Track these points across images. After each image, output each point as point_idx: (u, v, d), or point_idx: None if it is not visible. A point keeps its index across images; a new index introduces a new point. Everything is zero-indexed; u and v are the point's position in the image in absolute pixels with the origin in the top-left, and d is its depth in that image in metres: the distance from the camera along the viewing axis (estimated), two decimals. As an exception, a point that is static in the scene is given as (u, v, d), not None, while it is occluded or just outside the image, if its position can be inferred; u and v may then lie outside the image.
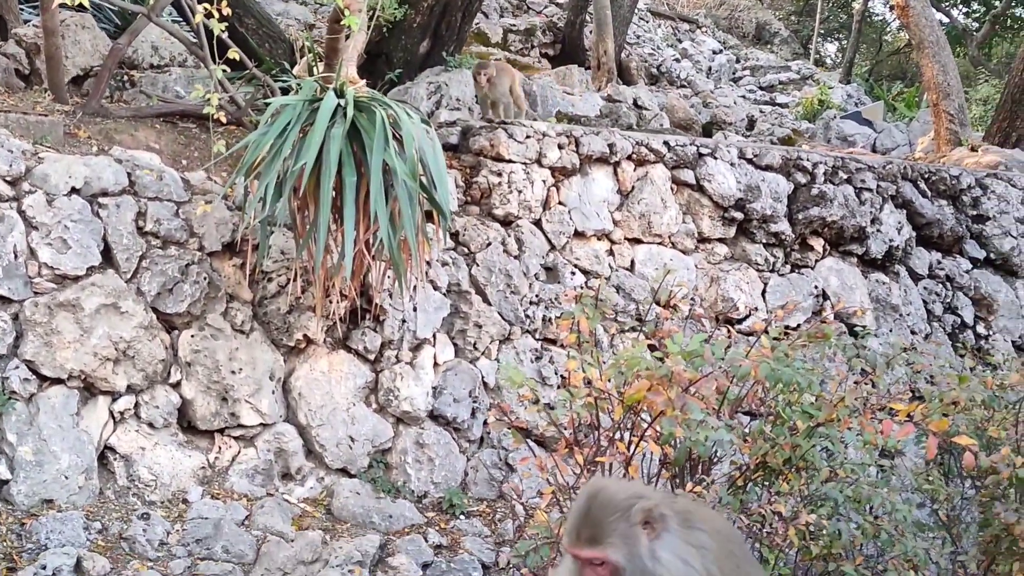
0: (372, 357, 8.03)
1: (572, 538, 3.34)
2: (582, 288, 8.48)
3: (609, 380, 5.21)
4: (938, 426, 4.98)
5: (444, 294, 8.37)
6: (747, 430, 5.30)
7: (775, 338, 5.56)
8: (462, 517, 7.88)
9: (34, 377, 6.94)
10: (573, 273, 8.87)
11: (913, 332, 10.06)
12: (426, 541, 7.48)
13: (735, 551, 3.49)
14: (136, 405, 7.27)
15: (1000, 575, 5.28)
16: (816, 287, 9.74)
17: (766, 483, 5.36)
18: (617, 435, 5.25)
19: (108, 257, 7.25)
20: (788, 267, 9.82)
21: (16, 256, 6.91)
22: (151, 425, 7.29)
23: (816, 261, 9.92)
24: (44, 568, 6.26)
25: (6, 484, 6.73)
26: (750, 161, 9.73)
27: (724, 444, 4.63)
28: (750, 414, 6.08)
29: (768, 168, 9.78)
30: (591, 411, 5.09)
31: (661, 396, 4.76)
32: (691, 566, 3.22)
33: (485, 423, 8.34)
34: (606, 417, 5.35)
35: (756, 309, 9.37)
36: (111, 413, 7.19)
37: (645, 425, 5.10)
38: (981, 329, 10.55)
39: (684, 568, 3.22)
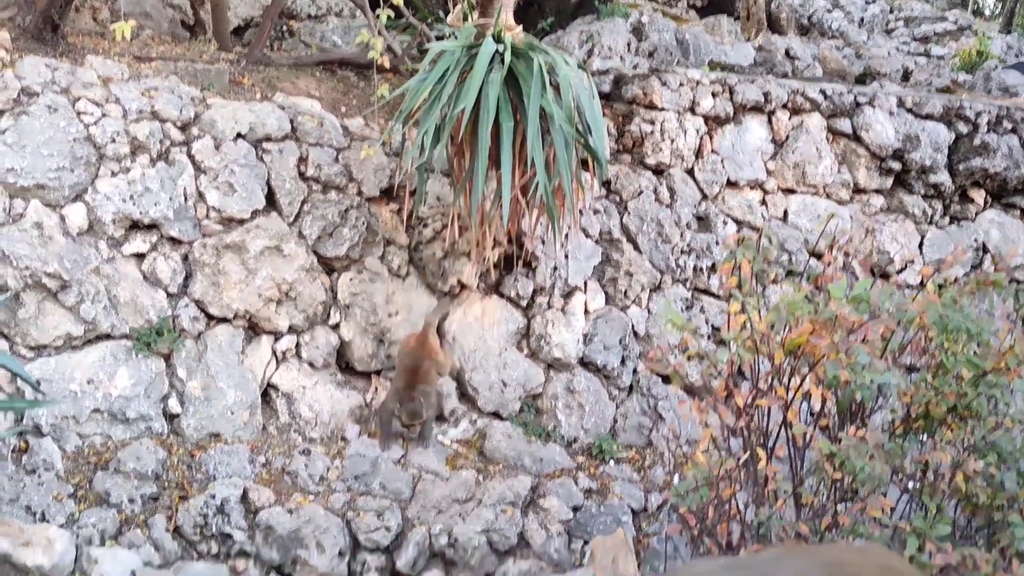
0: (524, 303, 8.12)
1: None
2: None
3: (769, 325, 5.18)
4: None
5: (595, 242, 8.40)
6: (910, 379, 5.21)
7: (939, 286, 5.46)
8: (611, 463, 7.94)
9: (202, 316, 7.22)
10: (725, 223, 8.80)
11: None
12: (576, 485, 7.57)
13: None
14: (297, 345, 7.50)
15: None
16: (976, 240, 9.47)
17: (928, 433, 5.27)
18: (776, 380, 5.22)
19: (271, 201, 7.47)
20: (947, 219, 9.57)
21: (186, 199, 7.17)
22: (311, 365, 7.52)
23: (976, 213, 9.64)
24: (213, 497, 6.53)
25: (177, 418, 7.03)
26: (909, 110, 9.48)
27: (890, 387, 4.58)
28: (909, 368, 5.97)
29: (928, 117, 9.52)
30: (751, 354, 5.07)
31: (824, 340, 4.72)
32: None
33: (635, 371, 8.37)
34: (765, 362, 5.32)
35: (912, 262, 9.16)
36: (273, 352, 7.44)
37: (806, 370, 5.06)
38: None
39: None
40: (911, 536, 4.69)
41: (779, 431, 5.38)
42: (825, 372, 4.77)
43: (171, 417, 7.04)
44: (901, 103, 9.47)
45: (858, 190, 9.36)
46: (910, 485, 5.32)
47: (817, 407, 5.25)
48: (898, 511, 5.15)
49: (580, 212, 8.02)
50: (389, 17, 7.75)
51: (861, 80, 13.43)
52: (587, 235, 8.33)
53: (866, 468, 4.45)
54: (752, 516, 5.02)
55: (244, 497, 6.63)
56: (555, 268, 8.13)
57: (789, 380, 5.23)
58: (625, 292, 8.42)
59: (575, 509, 7.40)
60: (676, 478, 6.12)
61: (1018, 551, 4.62)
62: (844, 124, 9.27)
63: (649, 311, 8.51)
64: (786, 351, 5.03)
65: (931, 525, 4.74)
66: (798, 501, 5.05)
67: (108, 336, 6.93)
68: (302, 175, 7.57)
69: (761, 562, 3.69)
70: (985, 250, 9.48)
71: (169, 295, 7.14)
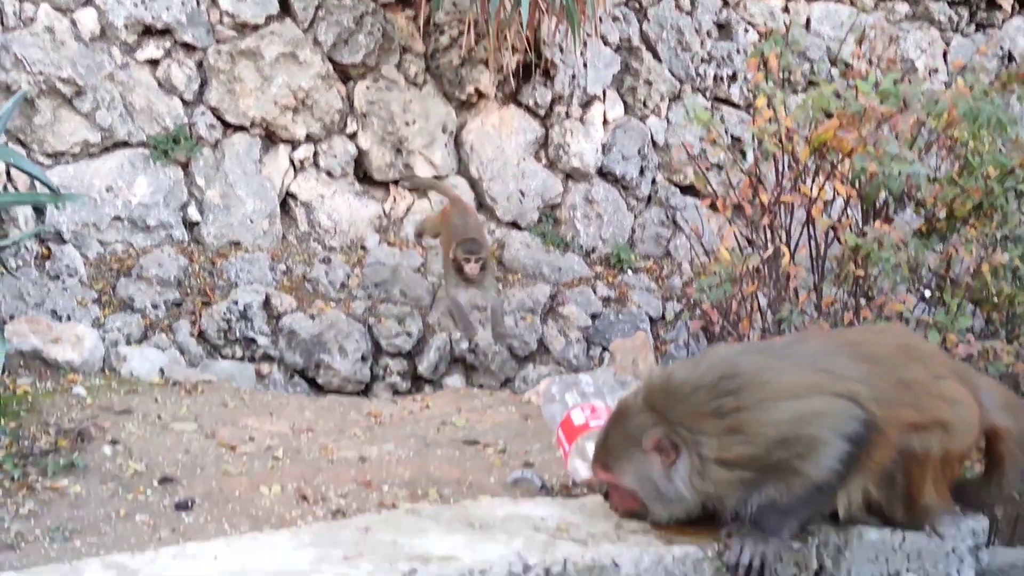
0: (542, 112, 8.02)
1: (594, 462, 3.43)
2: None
3: (794, 122, 5.12)
4: None
5: (614, 50, 8.24)
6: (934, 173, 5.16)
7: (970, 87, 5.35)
8: (629, 272, 7.97)
9: (218, 123, 7.15)
10: (746, 30, 8.62)
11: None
12: (595, 293, 7.62)
13: None
14: (315, 154, 7.45)
15: None
16: (1001, 48, 9.28)
17: (951, 232, 5.25)
18: (801, 179, 5.19)
19: (285, 6, 7.31)
20: (972, 27, 9.36)
21: (198, 3, 7.03)
22: (329, 174, 7.48)
23: (1004, 20, 9.42)
24: (236, 303, 6.59)
25: (196, 226, 7.04)
26: (937, -89, 9.18)
27: (919, 177, 4.53)
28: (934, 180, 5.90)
29: (957, -81, 9.22)
30: (776, 150, 5.02)
31: (852, 133, 4.66)
32: (700, 492, 3.21)
33: (654, 181, 8.33)
34: (790, 161, 5.28)
35: (936, 71, 9.00)
36: (291, 161, 7.39)
37: (831, 168, 5.02)
38: None
39: (694, 492, 3.21)
40: (932, 330, 4.72)
41: (802, 230, 5.37)
42: (851, 167, 4.73)
43: (191, 225, 7.04)
44: (930, -96, 9.15)
45: (883, -3, 9.13)
46: (927, 293, 5.33)
47: (841, 205, 5.24)
48: (917, 313, 5.16)
49: (600, 19, 7.84)
50: None
51: None
52: (606, 43, 8.17)
53: (891, 259, 4.44)
54: (773, 314, 5.05)
55: (266, 303, 6.69)
56: (573, 76, 8.00)
57: (814, 179, 5.19)
58: (644, 101, 8.30)
59: (593, 317, 7.46)
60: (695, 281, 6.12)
61: (1038, 341, 4.65)
62: (871, -74, 8.98)
63: (668, 121, 8.41)
64: (812, 148, 4.98)
65: (952, 320, 4.76)
66: (819, 298, 5.07)
67: (125, 144, 6.88)
68: (315, -21, 7.39)
69: (782, 344, 3.73)
70: (1011, 58, 9.30)
71: (185, 102, 7.05)
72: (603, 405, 3.89)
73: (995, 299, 5.16)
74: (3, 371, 4.89)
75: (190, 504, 3.76)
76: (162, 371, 5.47)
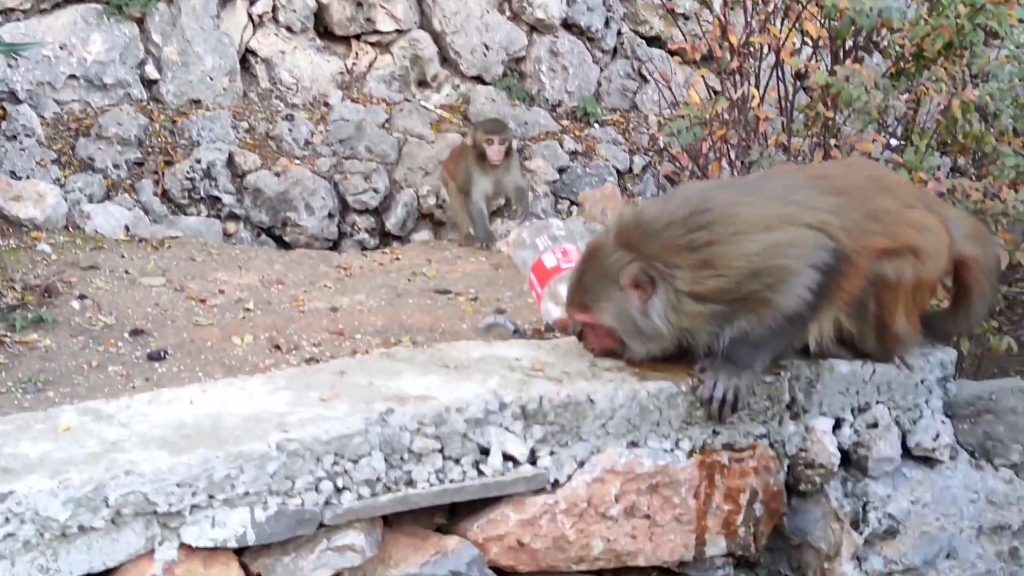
0: (505, -38, 7.86)
1: (570, 301, 3.36)
2: None
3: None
4: (1114, 3, 4.75)
5: None
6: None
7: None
8: (596, 125, 7.91)
9: (173, -23, 6.95)
10: None
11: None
12: (561, 147, 7.57)
13: None
14: (274, 9, 7.26)
15: None
16: None
17: (920, 73, 5.20)
18: (771, 20, 5.12)
19: None
20: None
21: None
22: (289, 29, 7.30)
23: None
24: (199, 162, 6.50)
25: (155, 84, 6.88)
26: None
27: (892, 12, 4.47)
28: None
29: None
30: (746, -11, 4.95)
31: (823, -30, 4.59)
32: (674, 326, 3.18)
33: (619, 33, 8.21)
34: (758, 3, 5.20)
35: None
36: (249, 16, 7.21)
37: (801, 7, 4.95)
38: None
39: (670, 326, 3.18)
40: (901, 170, 4.71)
41: (771, 74, 5.31)
42: (823, 6, 4.66)
43: (149, 83, 6.89)
44: None
45: None
46: (892, 142, 5.31)
47: (809, 54, 5.19)
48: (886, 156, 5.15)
49: None
50: None
51: None
52: None
53: (862, 98, 4.40)
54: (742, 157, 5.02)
55: (230, 161, 6.60)
56: (537, -76, 7.82)
57: (783, 20, 5.12)
58: (609, -50, 8.14)
59: (561, 171, 7.43)
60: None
61: (1008, 179, 4.65)
62: None
63: (637, -34, 8.27)
64: (781, -13, 4.90)
65: (921, 159, 4.75)
66: (789, 140, 5.04)
67: (79, 0, 6.68)
68: None
69: (753, 179, 3.72)
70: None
71: (137, -45, 6.84)
72: (574, 248, 3.87)
73: (962, 140, 5.15)
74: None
75: (162, 354, 3.74)
76: (127, 228, 5.41)
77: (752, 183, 3.54)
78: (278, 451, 2.74)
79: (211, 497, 2.67)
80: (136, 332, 3.95)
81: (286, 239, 6.55)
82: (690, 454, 3.25)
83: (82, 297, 4.22)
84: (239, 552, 2.77)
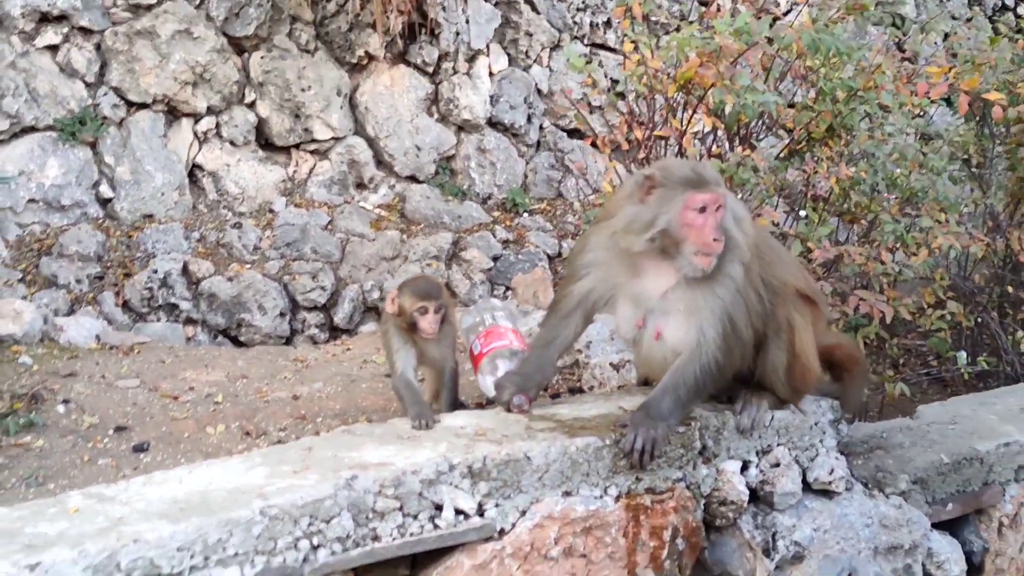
0: (431, 70, 8.46)
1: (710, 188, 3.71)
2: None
3: (662, 62, 5.62)
4: (969, 84, 5.39)
5: (494, 5, 8.70)
6: (791, 99, 5.72)
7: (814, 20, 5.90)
8: (525, 215, 8.47)
9: (122, 103, 7.47)
10: (617, -22, 9.11)
11: (955, 17, 10.25)
12: (494, 237, 8.10)
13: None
14: (217, 125, 7.80)
15: (1025, 214, 5.83)
16: (855, -21, 9.88)
17: (811, 153, 5.81)
18: (671, 114, 5.70)
19: (176, -15, 7.63)
20: (827, -40, 9.95)
21: (92, -12, 7.32)
22: (232, 143, 7.83)
23: (855, -47, 10.02)
24: (156, 272, 6.96)
25: (110, 202, 7.36)
26: None
27: (770, 105, 5.07)
28: (790, 105, 6.47)
29: None
30: (646, 89, 5.52)
31: (711, 70, 5.17)
32: None
33: (541, 127, 8.83)
34: (661, 99, 5.79)
35: (797, 4, 9.59)
36: (195, 133, 7.73)
37: (696, 101, 5.53)
38: (1022, 10, 10.72)
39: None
40: (796, 242, 5.28)
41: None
42: (713, 100, 5.26)
43: (104, 202, 7.37)
44: None
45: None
46: (802, 213, 5.89)
47: (710, 137, 5.77)
48: (786, 226, 5.73)
49: (477, -24, 8.28)
50: None
51: None
52: (486, -1, 8.62)
53: (751, 180, 4.99)
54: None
55: (184, 270, 7.06)
56: (457, 33, 8.44)
57: (683, 113, 5.71)
58: (526, 52, 8.79)
59: (495, 259, 7.95)
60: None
61: (886, 244, 5.24)
62: None
63: (551, 69, 8.92)
64: (678, 85, 5.49)
65: (812, 230, 5.33)
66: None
67: (33, 128, 7.17)
68: (203, -43, 7.70)
69: None
70: (864, -12, 9.90)
71: (87, 85, 7.36)
72: (509, 326, 4.38)
73: (853, 210, 5.76)
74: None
75: (146, 446, 4.18)
76: (98, 337, 5.84)
77: None
78: (261, 516, 3.18)
79: (206, 559, 3.11)
80: (119, 428, 4.39)
81: (241, 339, 6.99)
82: (617, 499, 3.73)
83: (66, 401, 4.66)
84: (232, 606, 3.21)
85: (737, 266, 3.73)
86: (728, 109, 5.18)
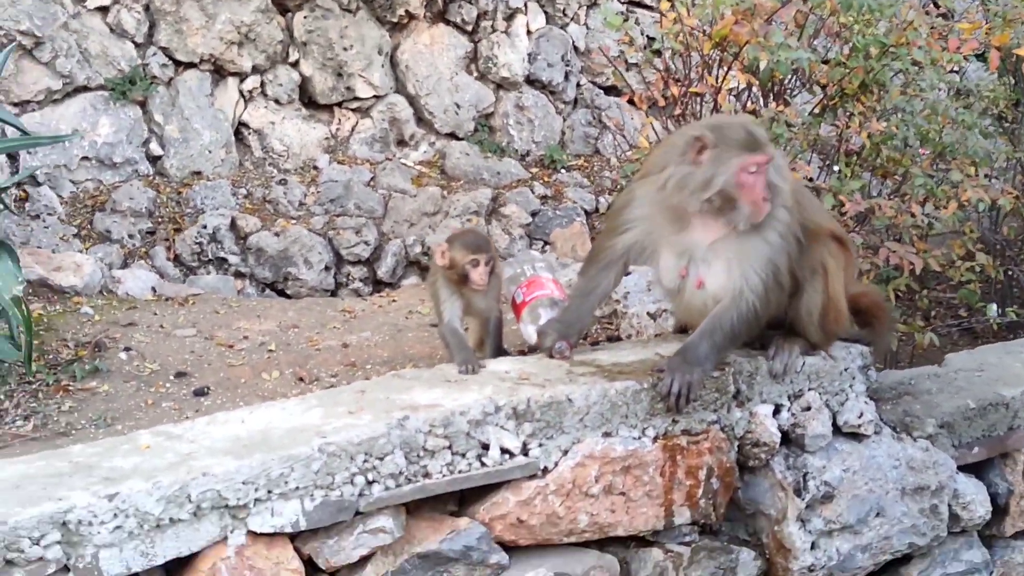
0: (470, 28, 8.60)
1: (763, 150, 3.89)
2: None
3: (698, 20, 5.76)
4: (1000, 40, 5.49)
5: (532, -36, 8.83)
6: (825, 56, 5.83)
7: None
8: (563, 171, 8.62)
9: (170, 62, 7.66)
10: (654, -64, 9.20)
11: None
12: (532, 193, 8.27)
13: None
14: (262, 84, 7.98)
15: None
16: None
17: (843, 108, 5.93)
18: (706, 71, 5.84)
19: (222, -54, 7.80)
20: (863, -84, 9.98)
21: (141, -50, 7.51)
22: (277, 102, 8.02)
23: (891, -92, 10.05)
24: (205, 227, 7.18)
25: (159, 159, 7.58)
26: None
27: (803, 62, 5.19)
28: (825, 62, 6.58)
29: None
30: (684, 46, 5.66)
31: (746, 27, 5.30)
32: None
33: (578, 85, 8.96)
34: (696, 56, 5.92)
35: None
36: (240, 92, 7.92)
37: (732, 59, 5.67)
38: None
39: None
40: (827, 195, 5.42)
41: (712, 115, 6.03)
42: (747, 57, 5.39)
43: (154, 160, 7.58)
44: None
45: None
46: (836, 168, 6.02)
47: (745, 91, 5.90)
48: (820, 180, 5.87)
49: (516, -66, 8.39)
50: None
51: None
52: (524, -43, 8.74)
53: (784, 134, 5.13)
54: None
55: (233, 225, 7.28)
56: (496, -9, 8.58)
57: (717, 70, 5.84)
58: (564, 10, 8.91)
59: (533, 214, 8.11)
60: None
61: (916, 197, 5.37)
62: None
63: (587, 27, 9.03)
64: (713, 43, 5.62)
65: (844, 184, 5.47)
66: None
67: (86, 88, 7.38)
68: (247, -81, 7.86)
69: None
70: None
71: (136, 45, 7.55)
72: (549, 277, 4.56)
73: (884, 164, 5.89)
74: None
75: (206, 391, 4.41)
76: (154, 289, 6.08)
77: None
78: (320, 453, 3.40)
79: (269, 492, 3.33)
80: (180, 374, 4.62)
81: (288, 292, 7.21)
82: (655, 440, 3.92)
83: (127, 349, 4.89)
84: (292, 537, 3.43)
85: (783, 211, 3.91)
86: (762, 66, 5.30)
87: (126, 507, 3.11)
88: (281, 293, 7.23)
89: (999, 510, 4.62)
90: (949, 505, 4.42)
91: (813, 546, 4.16)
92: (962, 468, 4.49)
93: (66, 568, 3.07)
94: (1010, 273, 6.12)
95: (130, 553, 3.14)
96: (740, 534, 4.23)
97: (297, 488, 3.37)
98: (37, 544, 3.00)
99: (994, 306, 5.86)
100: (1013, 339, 5.80)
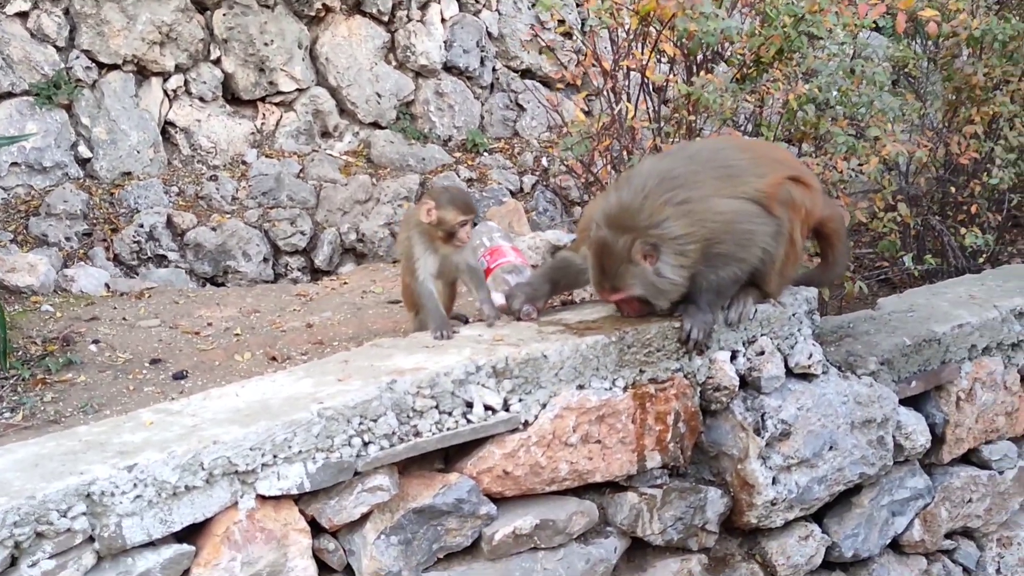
0: (386, 18, 8.76)
1: (600, 288, 4.18)
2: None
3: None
4: (905, 3, 5.84)
5: (443, -47, 9.01)
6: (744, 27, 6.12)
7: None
8: (485, 154, 8.84)
9: (93, 65, 7.70)
10: (558, -79, 9.44)
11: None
12: (459, 176, 8.46)
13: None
14: (185, 82, 8.05)
15: (962, 120, 6.31)
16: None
17: (761, 76, 6.22)
18: (634, 44, 6.08)
19: (138, -52, 7.84)
20: None
21: (57, -46, 7.52)
22: (201, 99, 8.10)
23: None
24: (142, 226, 7.24)
25: (89, 162, 7.60)
26: None
27: (731, 31, 5.46)
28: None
29: None
30: (610, 22, 5.89)
31: (671, 1, 5.56)
32: (684, 269, 4.14)
33: (494, 70, 9.18)
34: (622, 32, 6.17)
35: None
36: (165, 92, 7.98)
37: (656, 33, 5.92)
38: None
39: (680, 273, 4.13)
40: (755, 158, 5.70)
41: (639, 90, 6.29)
42: (675, 29, 5.64)
43: (83, 162, 7.61)
44: None
45: None
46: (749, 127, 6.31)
47: (668, 65, 6.16)
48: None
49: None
50: None
51: None
52: (434, -53, 8.92)
53: (718, 101, 5.40)
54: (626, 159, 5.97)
55: (169, 222, 7.35)
56: (409, -19, 8.76)
57: (643, 43, 6.09)
58: (475, -2, 9.13)
59: (460, 196, 8.29)
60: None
61: (840, 154, 5.68)
62: None
63: (499, 13, 9.25)
64: (639, 18, 5.86)
65: (770, 146, 5.75)
66: (660, 144, 6.01)
67: (10, 94, 7.38)
68: (161, -81, 7.91)
69: (679, 150, 4.66)
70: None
71: (59, 49, 7.58)
72: (509, 245, 4.77)
73: (803, 128, 6.20)
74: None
75: (185, 374, 4.53)
76: (107, 285, 6.14)
77: (686, 153, 4.45)
78: (319, 417, 3.56)
79: (275, 457, 3.48)
80: (155, 361, 4.73)
81: (229, 285, 7.31)
82: (625, 389, 4.15)
83: (96, 342, 4.98)
84: (297, 500, 3.59)
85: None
86: (689, 37, 5.56)
87: (144, 477, 3.24)
88: (222, 286, 7.32)
89: (937, 439, 4.95)
90: (893, 436, 4.73)
91: (774, 481, 4.43)
92: (903, 402, 4.81)
93: (91, 539, 3.19)
94: (925, 222, 6.49)
95: (150, 521, 3.27)
96: (706, 475, 4.48)
97: (300, 452, 3.53)
98: (64, 516, 3.12)
99: (910, 256, 6.22)
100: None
